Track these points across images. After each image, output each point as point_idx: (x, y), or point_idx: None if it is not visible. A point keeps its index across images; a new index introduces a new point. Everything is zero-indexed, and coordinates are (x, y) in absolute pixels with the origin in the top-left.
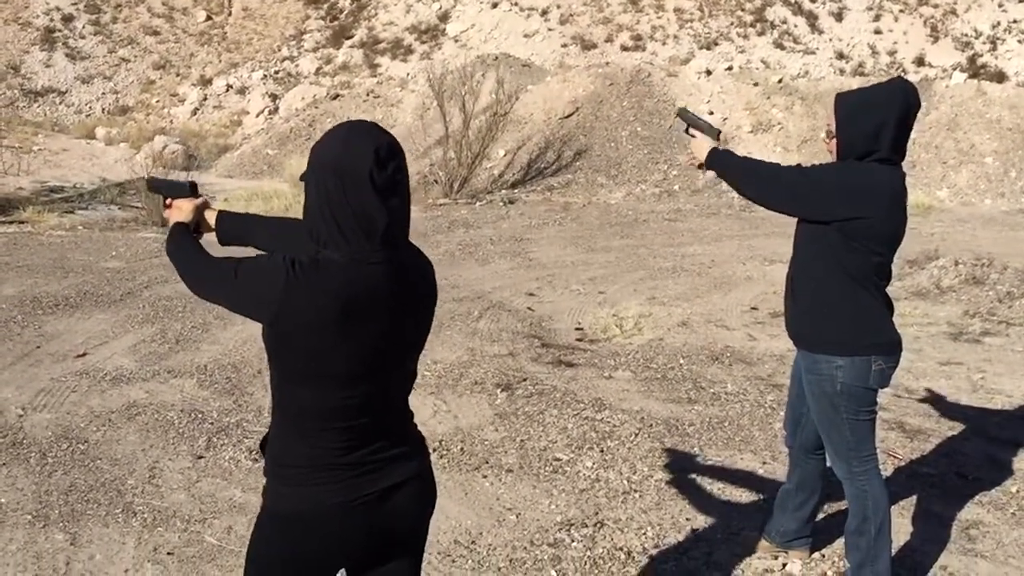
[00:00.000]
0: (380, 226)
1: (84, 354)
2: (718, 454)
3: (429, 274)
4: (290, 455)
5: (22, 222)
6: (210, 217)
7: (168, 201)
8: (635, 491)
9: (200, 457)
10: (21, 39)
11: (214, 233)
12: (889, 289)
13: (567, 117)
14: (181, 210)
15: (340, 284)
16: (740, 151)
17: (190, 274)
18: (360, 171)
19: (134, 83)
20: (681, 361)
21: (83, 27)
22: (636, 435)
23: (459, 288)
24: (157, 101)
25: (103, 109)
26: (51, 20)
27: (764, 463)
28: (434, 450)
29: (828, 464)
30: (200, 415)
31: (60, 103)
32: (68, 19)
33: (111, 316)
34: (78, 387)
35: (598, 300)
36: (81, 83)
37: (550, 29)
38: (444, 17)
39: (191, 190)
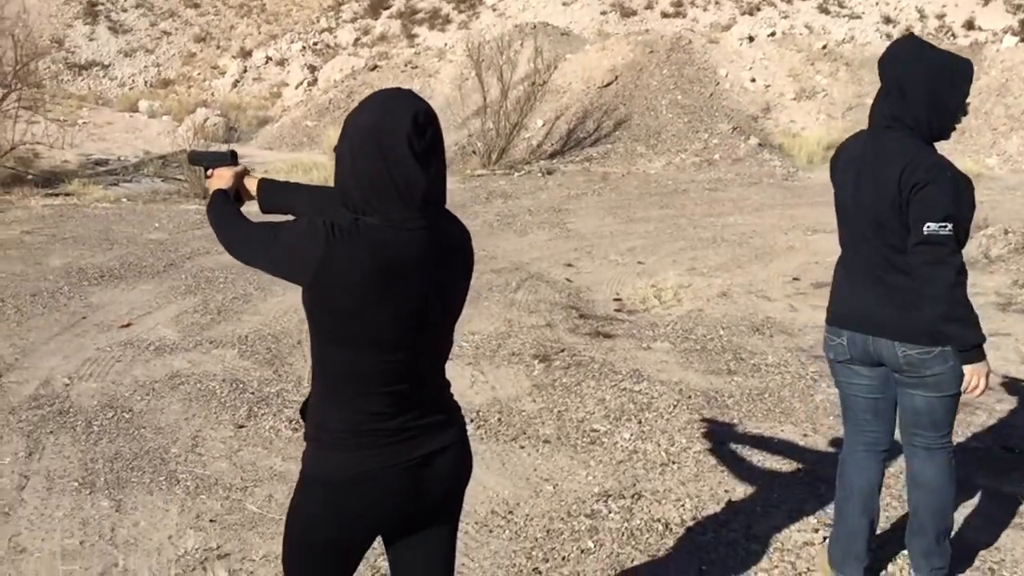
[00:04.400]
0: (419, 192)
1: (128, 324)
2: (758, 426)
3: (466, 241)
4: (331, 420)
5: (68, 194)
6: (251, 185)
7: (209, 172)
8: (673, 463)
9: (241, 426)
10: (64, 13)
11: (255, 202)
12: None
13: (606, 86)
14: (222, 178)
15: (380, 247)
16: (783, 119)
17: (229, 238)
18: (399, 137)
19: (175, 56)
20: (721, 332)
21: (125, 0)
22: (674, 407)
23: (497, 259)
24: (198, 74)
25: (146, 82)
26: None
27: (805, 435)
28: (471, 421)
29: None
30: (241, 385)
31: (104, 76)
32: None
33: (154, 287)
34: (123, 357)
35: (637, 271)
36: (124, 56)
37: None
38: None
39: (231, 158)
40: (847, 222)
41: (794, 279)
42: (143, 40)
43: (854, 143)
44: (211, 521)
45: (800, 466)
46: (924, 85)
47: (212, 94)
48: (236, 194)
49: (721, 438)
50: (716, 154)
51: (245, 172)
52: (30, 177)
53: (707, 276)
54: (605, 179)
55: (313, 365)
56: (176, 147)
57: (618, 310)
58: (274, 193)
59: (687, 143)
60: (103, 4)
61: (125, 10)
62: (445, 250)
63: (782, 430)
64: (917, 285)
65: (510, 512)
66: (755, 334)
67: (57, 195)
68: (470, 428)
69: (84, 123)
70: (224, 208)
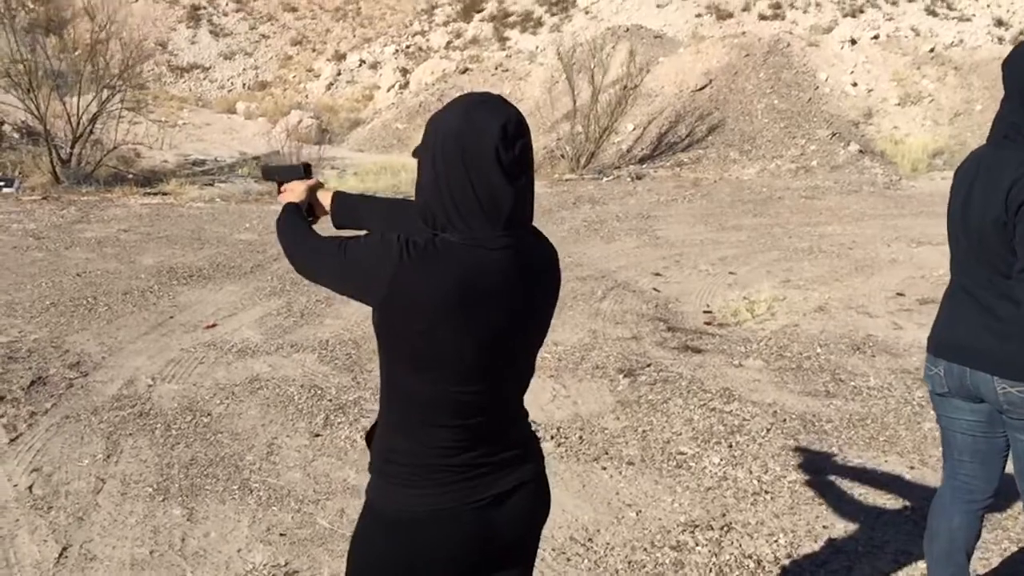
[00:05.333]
0: (505, 209)
1: (213, 325)
2: (859, 455)
3: (554, 261)
4: (396, 452)
5: (165, 194)
6: (324, 199)
7: (283, 187)
8: (766, 492)
9: (317, 435)
10: (169, 17)
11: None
12: None
13: (700, 90)
14: (294, 191)
15: (457, 268)
16: (886, 124)
17: (295, 252)
18: (485, 148)
19: (273, 59)
20: (818, 350)
21: (226, 4)
22: (768, 430)
23: (583, 267)
24: (294, 76)
25: (244, 84)
26: None
27: (911, 467)
28: (551, 437)
29: None
30: (319, 391)
31: (204, 79)
32: None
33: (240, 288)
34: (205, 358)
35: (728, 282)
36: (224, 59)
37: None
38: None
39: (304, 172)
40: (954, 240)
41: (898, 294)
42: (242, 43)
43: (974, 154)
44: (281, 535)
45: (907, 503)
46: None
47: (306, 96)
48: (309, 208)
49: (819, 467)
50: (813, 160)
51: (319, 186)
52: (131, 176)
53: (803, 289)
54: (696, 185)
55: (382, 391)
56: (269, 148)
57: (708, 323)
58: (348, 207)
59: (783, 149)
60: (205, 8)
61: (226, 14)
62: (531, 272)
63: (886, 461)
64: (1021, 315)
65: (590, 539)
66: (855, 353)
67: (155, 194)
68: (549, 445)
69: (184, 124)
70: (293, 221)
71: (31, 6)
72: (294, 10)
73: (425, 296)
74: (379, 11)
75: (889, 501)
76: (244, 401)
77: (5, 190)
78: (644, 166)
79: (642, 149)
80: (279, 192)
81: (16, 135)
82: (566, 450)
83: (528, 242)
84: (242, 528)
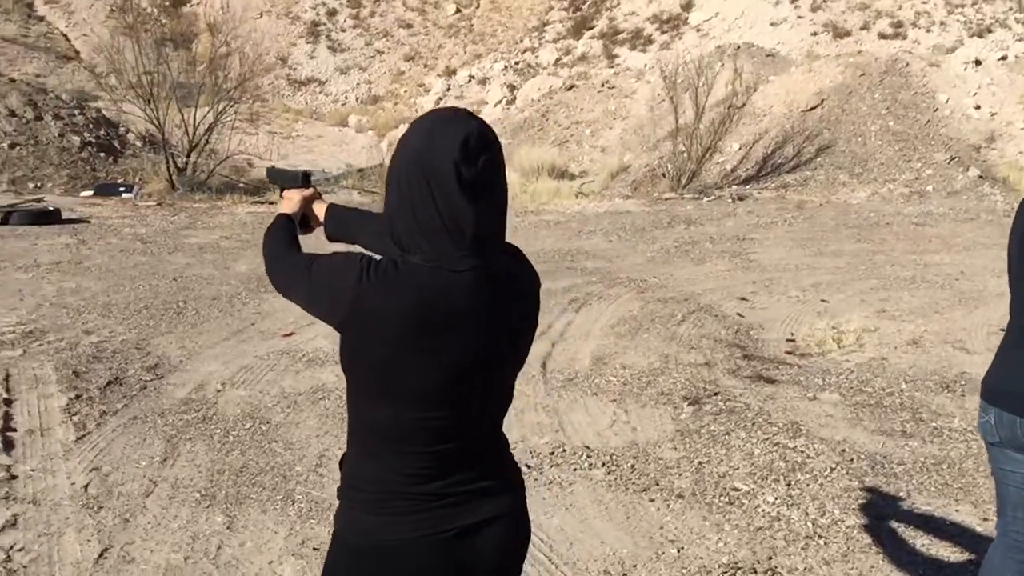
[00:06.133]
0: (468, 228)
1: (291, 334)
2: (928, 502)
3: (531, 285)
4: (361, 478)
5: (272, 203)
6: (319, 210)
7: (283, 194)
8: (820, 536)
9: None
10: (290, 32)
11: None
12: None
13: (810, 110)
14: (290, 201)
15: (418, 290)
16: (1010, 150)
17: (271, 268)
18: (445, 165)
19: (386, 74)
20: (903, 386)
21: (344, 20)
22: (832, 470)
23: (666, 288)
24: (405, 91)
25: (357, 98)
26: (317, 14)
27: (984, 519)
28: (602, 464)
29: None
30: None
31: (320, 92)
32: (332, 13)
33: None
34: (276, 366)
35: (818, 310)
36: (340, 74)
37: (800, 17)
38: (687, 6)
39: (303, 181)
40: (1012, 282)
41: (1001, 330)
42: (358, 58)
43: None
44: (314, 549)
45: (972, 557)
46: None
47: (416, 111)
48: (304, 219)
49: (882, 512)
50: (929, 185)
51: (315, 197)
52: (241, 185)
53: (898, 320)
54: (800, 208)
55: (348, 415)
56: (372, 161)
57: (789, 352)
58: (340, 221)
59: (896, 173)
60: (324, 24)
61: (344, 30)
62: (502, 294)
63: (957, 510)
64: None
65: (625, 574)
66: (944, 392)
67: (262, 203)
68: (599, 472)
69: (297, 136)
70: (276, 233)
71: (163, 21)
72: (409, 26)
73: (384, 319)
74: (491, 28)
75: (953, 554)
76: (304, 411)
77: (125, 195)
78: (747, 187)
79: (747, 170)
80: (280, 198)
81: (139, 143)
82: (615, 479)
83: (499, 263)
84: (278, 540)
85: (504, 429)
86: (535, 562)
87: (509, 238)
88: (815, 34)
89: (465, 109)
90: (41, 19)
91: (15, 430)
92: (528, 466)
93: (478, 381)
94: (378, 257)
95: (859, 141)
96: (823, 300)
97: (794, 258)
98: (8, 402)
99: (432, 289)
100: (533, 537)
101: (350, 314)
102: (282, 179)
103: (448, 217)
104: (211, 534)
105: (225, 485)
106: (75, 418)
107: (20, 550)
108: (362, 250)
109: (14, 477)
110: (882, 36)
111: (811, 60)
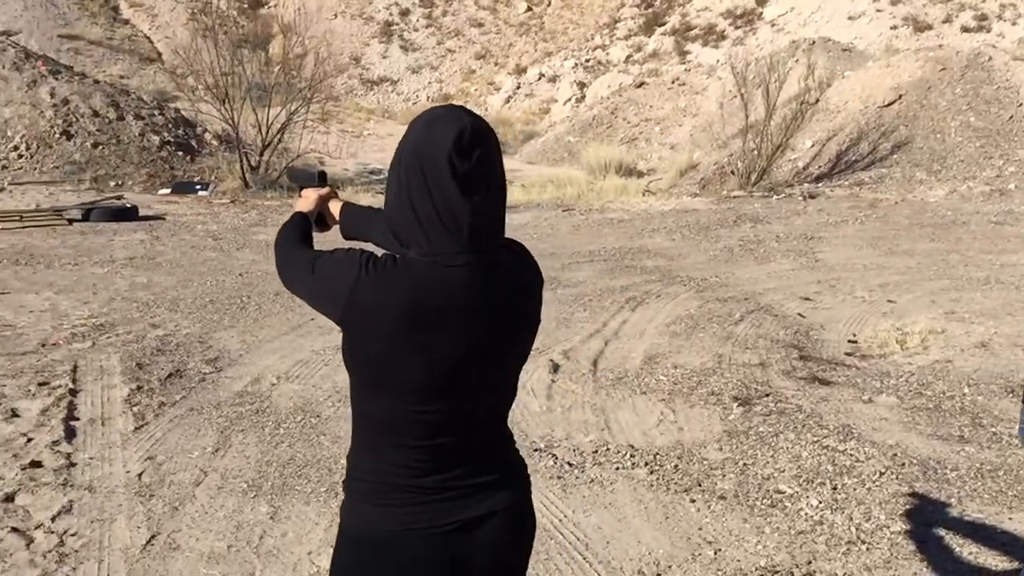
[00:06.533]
0: (464, 223)
1: None
2: (981, 509)
3: (532, 280)
4: (361, 469)
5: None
6: (335, 208)
7: (301, 192)
8: (863, 542)
9: None
10: (364, 33)
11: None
12: None
13: (887, 105)
14: (306, 199)
15: (414, 285)
16: None
17: (280, 264)
18: (439, 158)
19: (457, 73)
20: (965, 390)
21: (417, 20)
22: (881, 474)
23: (727, 287)
24: (475, 90)
25: (428, 97)
26: (390, 14)
27: None
28: (645, 464)
29: None
30: None
31: (392, 91)
32: (405, 13)
33: None
34: (331, 361)
35: (883, 310)
36: (411, 73)
37: (879, 10)
38: (762, 1)
39: (319, 179)
40: None
41: None
42: (429, 58)
43: None
44: None
45: (1021, 567)
46: None
47: (486, 109)
48: (320, 218)
49: (930, 519)
50: (1011, 183)
51: (331, 195)
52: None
53: (967, 322)
54: (873, 206)
55: (351, 410)
56: None
57: (849, 353)
58: (355, 218)
59: (977, 170)
60: (397, 24)
61: (416, 29)
62: (496, 291)
63: (1010, 518)
64: None
65: (659, 575)
66: (1007, 396)
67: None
68: (642, 472)
69: (368, 134)
70: (289, 232)
71: (240, 22)
72: (480, 25)
73: (379, 314)
74: (562, 26)
75: (1002, 563)
76: None
77: (200, 193)
78: (819, 185)
79: (819, 167)
80: (298, 197)
81: (215, 143)
82: (658, 478)
83: (499, 258)
84: (318, 531)
85: (550, 427)
86: (569, 560)
87: (572, 236)
88: (894, 28)
89: (462, 106)
90: (126, 22)
91: (78, 419)
92: (570, 464)
93: (474, 375)
94: (380, 253)
95: (938, 137)
96: (890, 301)
97: (863, 257)
98: (74, 392)
99: (427, 283)
100: (569, 535)
101: (347, 309)
102: (300, 178)
103: (444, 211)
104: (255, 524)
105: (272, 476)
106: (135, 409)
107: (73, 535)
108: (374, 247)
109: (73, 464)
110: (965, 29)
111: (889, 54)
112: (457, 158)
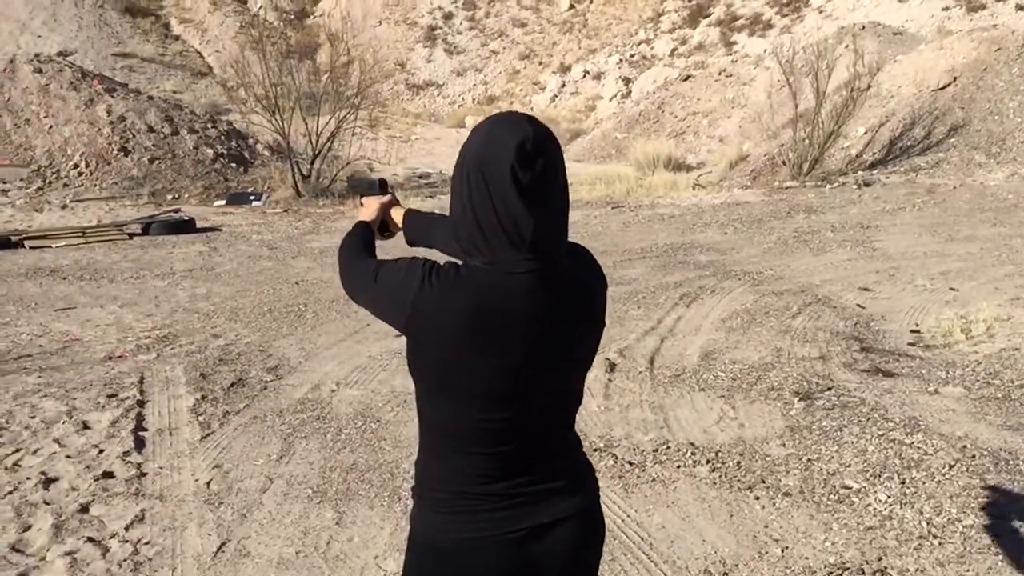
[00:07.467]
0: (527, 232)
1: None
2: None
3: (592, 288)
4: (429, 477)
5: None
6: (397, 216)
7: (362, 201)
8: (934, 536)
9: None
10: (408, 38)
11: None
12: None
13: (942, 89)
14: (368, 208)
15: (474, 293)
16: None
17: (343, 274)
18: (503, 169)
19: (501, 74)
20: None
21: (460, 23)
22: (951, 467)
23: (782, 280)
24: (520, 90)
25: (473, 99)
26: (434, 19)
27: None
28: (707, 462)
29: None
30: None
31: (437, 95)
32: (448, 17)
33: None
34: (388, 366)
35: (946, 298)
36: (456, 76)
37: None
38: None
39: (379, 188)
40: None
41: None
42: (473, 60)
43: None
44: None
45: None
46: None
47: (531, 109)
48: (383, 225)
49: (1004, 512)
50: None
51: (392, 203)
52: None
53: None
54: (931, 192)
55: (418, 417)
56: None
57: (912, 344)
58: (418, 225)
59: None
60: (441, 28)
61: (460, 32)
62: (561, 296)
63: None
64: None
65: (725, 574)
66: None
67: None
68: (703, 470)
69: (416, 139)
70: (349, 242)
71: (288, 33)
72: (523, 25)
73: (443, 322)
74: (605, 21)
75: None
76: (413, 409)
77: (254, 203)
78: (874, 172)
79: (873, 154)
80: (360, 205)
81: (267, 153)
82: (720, 476)
83: (560, 265)
84: (383, 535)
85: (609, 426)
86: (634, 560)
87: (622, 233)
88: (946, 9)
89: (524, 113)
90: (177, 38)
91: (146, 430)
92: (631, 463)
93: (538, 382)
94: (442, 261)
95: (996, 119)
96: (952, 288)
97: (922, 245)
98: (141, 403)
99: (490, 291)
100: (632, 535)
101: (412, 317)
102: (361, 187)
103: (507, 220)
104: (321, 529)
105: (336, 482)
106: (201, 418)
107: (147, 543)
108: (438, 254)
109: (144, 474)
110: (1020, 8)
111: (942, 36)
112: (520, 168)
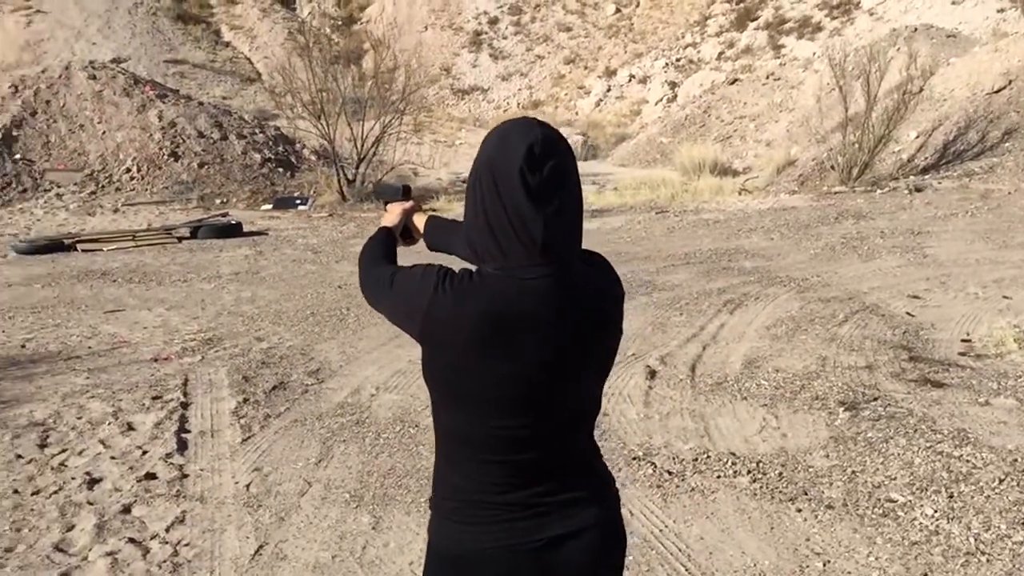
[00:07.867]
0: (538, 235)
1: None
2: None
3: (608, 294)
4: (446, 487)
5: (433, 210)
6: (419, 222)
7: (387, 206)
8: (983, 553)
9: None
10: (454, 43)
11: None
12: None
13: (997, 92)
14: (391, 213)
15: (487, 299)
16: None
17: (362, 280)
18: (511, 172)
19: (546, 78)
20: None
21: (505, 28)
22: (1001, 481)
23: (829, 287)
24: (565, 94)
25: (518, 104)
26: (479, 24)
27: None
28: (748, 472)
29: None
30: None
31: (482, 100)
32: (493, 22)
33: None
34: None
35: (999, 307)
36: (501, 80)
37: None
38: None
39: (403, 194)
40: None
41: None
42: (519, 64)
43: None
44: None
45: None
46: None
47: (576, 113)
48: (406, 231)
49: None
50: None
51: (415, 209)
52: None
53: None
54: (985, 198)
55: (434, 426)
56: None
57: (963, 353)
58: (439, 232)
59: None
60: (486, 33)
61: (505, 37)
62: (574, 302)
63: None
64: None
65: None
66: None
67: (426, 211)
68: (744, 480)
69: (460, 144)
70: (372, 246)
71: (334, 39)
72: (568, 29)
73: (456, 328)
74: (651, 25)
75: None
76: None
77: (300, 208)
78: (926, 177)
79: (925, 159)
80: (385, 211)
81: (313, 158)
82: (761, 487)
83: (574, 270)
84: (419, 541)
85: (648, 434)
86: (672, 572)
87: (666, 238)
88: (1001, 11)
89: (533, 118)
90: (227, 44)
91: (189, 432)
92: (670, 472)
93: (552, 390)
94: (459, 268)
95: None
96: (1006, 296)
97: (975, 251)
98: (185, 405)
99: (503, 297)
100: (671, 546)
101: (425, 324)
102: (386, 193)
103: (518, 224)
104: (358, 534)
105: (373, 487)
106: (242, 421)
107: (186, 545)
108: (459, 260)
109: (185, 476)
110: None
111: (997, 38)
112: (529, 171)
